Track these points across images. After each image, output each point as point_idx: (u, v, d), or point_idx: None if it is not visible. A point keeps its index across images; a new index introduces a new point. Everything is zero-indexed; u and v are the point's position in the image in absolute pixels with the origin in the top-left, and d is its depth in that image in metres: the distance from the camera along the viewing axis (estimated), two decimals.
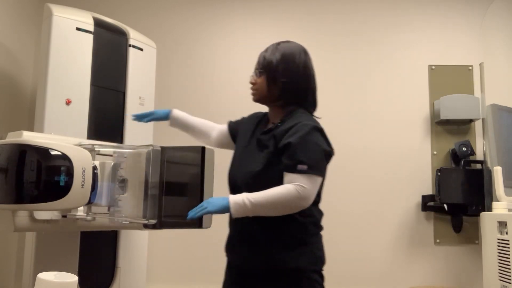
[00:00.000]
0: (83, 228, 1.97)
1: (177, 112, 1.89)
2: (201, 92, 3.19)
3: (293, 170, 1.44)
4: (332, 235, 2.98)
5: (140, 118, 1.91)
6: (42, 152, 1.44)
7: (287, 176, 1.45)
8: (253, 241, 1.52)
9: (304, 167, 1.43)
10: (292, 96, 1.59)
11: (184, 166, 1.82)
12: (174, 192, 1.80)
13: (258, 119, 1.71)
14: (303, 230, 1.51)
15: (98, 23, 2.40)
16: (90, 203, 1.63)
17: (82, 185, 1.49)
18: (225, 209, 1.44)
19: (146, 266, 2.59)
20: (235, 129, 1.80)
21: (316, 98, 1.66)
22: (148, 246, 2.62)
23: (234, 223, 1.59)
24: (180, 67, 3.21)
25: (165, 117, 1.89)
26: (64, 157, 1.46)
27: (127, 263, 2.42)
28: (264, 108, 1.73)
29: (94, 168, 1.62)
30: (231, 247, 1.63)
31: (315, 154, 1.46)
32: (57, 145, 1.47)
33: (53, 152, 1.45)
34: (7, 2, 2.81)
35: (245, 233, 1.54)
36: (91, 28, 2.35)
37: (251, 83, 1.65)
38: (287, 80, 1.57)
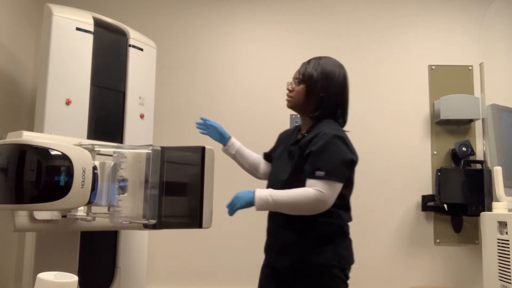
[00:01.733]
0: (83, 228, 1.97)
1: (234, 140, 1.92)
2: (201, 92, 3.19)
3: (312, 176, 1.55)
4: None
5: (203, 124, 1.92)
6: (42, 152, 1.44)
7: (308, 181, 1.57)
8: (283, 242, 1.65)
9: (322, 173, 1.54)
10: (327, 110, 1.68)
11: (184, 166, 1.82)
12: (174, 192, 1.80)
13: (293, 130, 1.84)
14: (328, 231, 1.61)
15: (98, 23, 2.39)
16: (90, 203, 1.63)
17: (82, 185, 1.49)
18: (251, 203, 1.57)
19: (146, 266, 2.59)
20: (270, 156, 1.90)
21: (347, 112, 1.75)
22: (148, 246, 2.62)
23: (270, 228, 1.74)
24: (180, 67, 3.21)
25: (222, 137, 1.90)
26: (64, 157, 1.46)
27: (127, 263, 2.42)
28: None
29: (94, 168, 1.62)
30: (267, 249, 1.75)
31: (333, 161, 1.56)
32: (57, 145, 1.47)
33: (53, 152, 1.45)
34: (7, 2, 2.81)
35: (278, 236, 1.68)
36: (91, 28, 2.35)
37: (288, 89, 1.74)
38: (325, 95, 1.67)
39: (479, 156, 2.96)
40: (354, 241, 3.15)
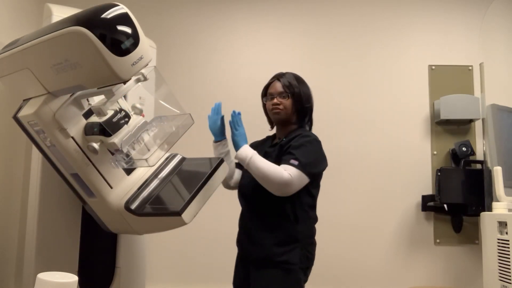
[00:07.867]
0: (75, 166, 1.74)
1: (228, 142, 1.95)
2: (201, 92, 3.19)
3: (287, 162, 1.69)
4: (332, 235, 3.00)
5: (217, 109, 1.96)
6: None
7: (281, 165, 1.69)
8: (253, 237, 1.80)
9: (296, 162, 1.68)
10: (305, 118, 1.89)
11: (196, 172, 1.86)
12: (174, 187, 1.82)
13: (265, 140, 2.00)
14: (295, 233, 1.74)
15: None
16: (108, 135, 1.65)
17: (133, 64, 1.44)
18: (237, 147, 1.75)
19: (146, 266, 2.59)
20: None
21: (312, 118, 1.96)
22: (148, 246, 2.62)
23: (241, 222, 1.90)
24: (180, 67, 3.21)
25: (220, 133, 1.93)
26: (136, 35, 1.44)
27: (127, 263, 2.42)
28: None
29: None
30: (239, 241, 1.91)
31: (308, 156, 1.70)
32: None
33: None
34: (7, 2, 2.81)
35: (248, 230, 1.84)
36: None
37: (276, 103, 1.86)
38: (309, 105, 1.88)
39: (479, 156, 2.96)
40: (354, 240, 3.16)
